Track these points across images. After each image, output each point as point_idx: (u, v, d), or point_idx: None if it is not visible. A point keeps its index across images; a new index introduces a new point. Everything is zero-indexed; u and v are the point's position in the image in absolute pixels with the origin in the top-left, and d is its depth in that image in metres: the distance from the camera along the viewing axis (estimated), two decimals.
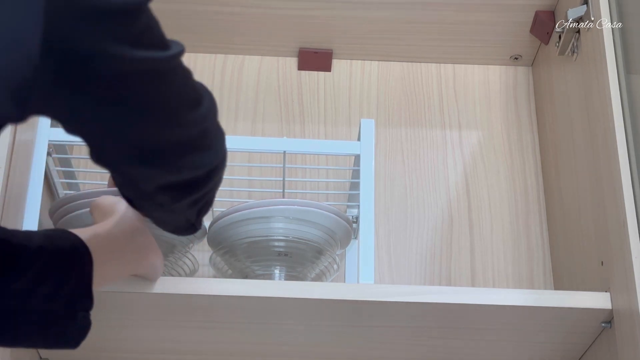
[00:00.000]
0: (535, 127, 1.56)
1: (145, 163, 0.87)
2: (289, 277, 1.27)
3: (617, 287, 1.16)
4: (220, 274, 1.31)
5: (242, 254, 1.27)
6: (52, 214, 1.24)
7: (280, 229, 1.24)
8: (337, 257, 1.31)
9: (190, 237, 1.27)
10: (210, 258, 1.30)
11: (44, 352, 1.30)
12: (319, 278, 1.32)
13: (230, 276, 1.30)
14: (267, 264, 1.27)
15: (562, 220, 1.42)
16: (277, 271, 1.27)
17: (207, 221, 1.29)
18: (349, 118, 1.55)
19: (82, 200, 1.21)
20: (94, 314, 1.22)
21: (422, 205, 1.50)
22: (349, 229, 1.27)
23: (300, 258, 1.27)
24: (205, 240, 1.30)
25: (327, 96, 1.57)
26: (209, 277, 1.42)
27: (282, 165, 1.28)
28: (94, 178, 1.40)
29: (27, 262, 0.91)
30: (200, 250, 1.34)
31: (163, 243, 1.25)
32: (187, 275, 1.33)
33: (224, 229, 1.26)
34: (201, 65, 1.57)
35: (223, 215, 1.25)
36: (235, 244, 1.26)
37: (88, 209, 1.19)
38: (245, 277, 1.28)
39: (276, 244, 1.25)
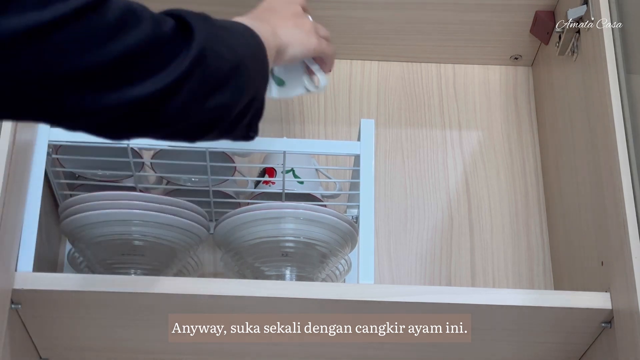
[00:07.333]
0: (535, 127, 1.56)
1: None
2: (299, 277, 1.28)
3: (617, 287, 1.16)
4: (232, 274, 1.31)
5: (250, 255, 1.27)
6: (61, 212, 1.25)
7: (290, 230, 1.24)
8: (348, 257, 1.31)
9: (192, 240, 1.26)
10: (221, 258, 1.30)
11: (44, 352, 1.30)
12: (329, 279, 1.32)
13: (242, 276, 1.30)
14: (277, 265, 1.27)
15: (562, 220, 1.42)
16: (287, 272, 1.27)
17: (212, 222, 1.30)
18: (349, 118, 1.55)
19: (93, 202, 1.22)
20: (94, 315, 1.22)
21: (422, 205, 1.50)
22: (354, 232, 1.28)
23: (310, 258, 1.27)
24: (205, 241, 1.30)
25: (327, 96, 1.57)
26: (209, 277, 1.42)
27: (282, 165, 1.28)
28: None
29: None
30: (201, 251, 1.34)
31: (164, 247, 1.25)
32: (190, 276, 1.33)
33: (232, 230, 1.26)
34: None
35: (229, 215, 1.25)
36: (243, 245, 1.26)
37: (96, 211, 1.20)
38: (256, 277, 1.28)
39: (286, 244, 1.25)
